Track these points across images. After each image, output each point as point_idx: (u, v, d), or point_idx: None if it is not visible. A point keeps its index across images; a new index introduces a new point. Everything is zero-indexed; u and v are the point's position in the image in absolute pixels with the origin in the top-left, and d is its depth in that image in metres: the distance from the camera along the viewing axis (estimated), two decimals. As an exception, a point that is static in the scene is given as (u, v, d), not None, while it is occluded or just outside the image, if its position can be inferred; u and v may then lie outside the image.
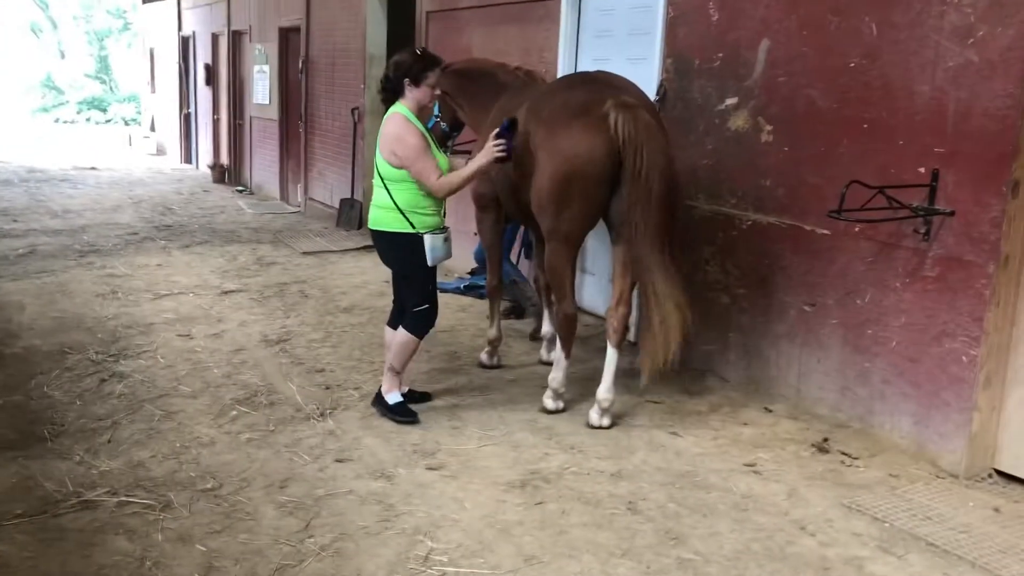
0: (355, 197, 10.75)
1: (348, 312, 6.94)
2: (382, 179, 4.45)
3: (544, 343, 5.87)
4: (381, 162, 4.43)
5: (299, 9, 11.92)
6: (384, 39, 10.29)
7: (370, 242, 9.80)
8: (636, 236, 4.40)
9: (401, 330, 4.75)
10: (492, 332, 5.73)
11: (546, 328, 5.83)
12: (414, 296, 4.70)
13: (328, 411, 4.90)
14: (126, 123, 31.81)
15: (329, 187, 11.64)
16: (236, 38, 15.01)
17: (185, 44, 18.19)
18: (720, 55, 5.48)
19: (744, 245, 5.38)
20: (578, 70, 6.87)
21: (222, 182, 15.53)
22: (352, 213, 10.68)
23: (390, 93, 4.45)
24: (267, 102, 13.60)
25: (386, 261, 4.80)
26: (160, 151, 20.80)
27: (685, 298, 4.46)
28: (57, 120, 35.36)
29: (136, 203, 12.67)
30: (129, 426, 4.63)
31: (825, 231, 4.88)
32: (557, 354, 4.86)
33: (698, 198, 5.63)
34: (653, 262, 4.38)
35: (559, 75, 6.84)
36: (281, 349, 5.97)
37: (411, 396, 5.01)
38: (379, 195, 4.52)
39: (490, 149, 4.46)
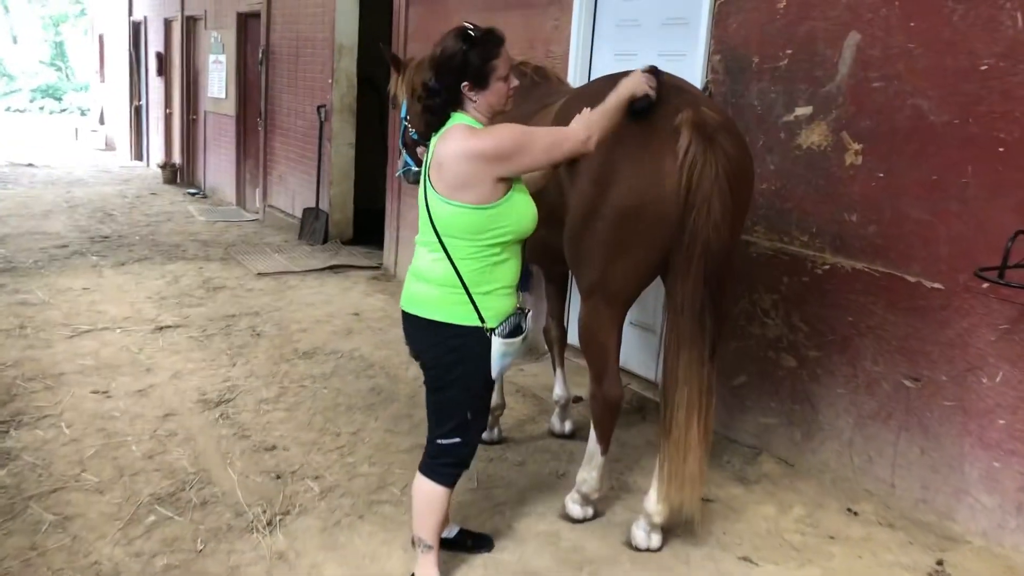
0: (320, 207, 9.46)
1: (308, 358, 5.67)
2: (437, 234, 2.79)
3: (557, 410, 4.65)
4: (440, 203, 2.76)
5: (259, -8, 10.60)
6: (356, 28, 9.02)
7: (337, 262, 8.83)
8: (674, 319, 3.22)
9: (420, 480, 3.08)
10: (493, 398, 4.52)
11: (559, 392, 4.61)
12: (448, 419, 3.01)
13: (278, 517, 3.65)
14: (82, 113, 30.14)
15: (291, 194, 10.33)
16: (190, 24, 13.61)
17: (136, 30, 16.70)
18: (788, 51, 4.30)
19: (818, 295, 4.20)
20: (594, 67, 5.68)
21: (173, 183, 14.12)
22: (316, 225, 9.39)
23: (440, 114, 2.81)
24: (223, 96, 12.23)
25: (422, 360, 3.03)
26: (109, 146, 19.28)
27: (709, 437, 3.31)
28: (8, 108, 33.64)
29: (72, 207, 11.24)
30: (1, 541, 3.35)
31: (936, 285, 3.73)
32: (591, 448, 3.63)
33: (755, 231, 4.45)
34: (684, 363, 3.21)
35: (570, 74, 5.64)
36: (222, 414, 4.69)
37: (460, 540, 3.48)
38: (427, 261, 2.87)
39: (645, 78, 3.12)
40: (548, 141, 2.81)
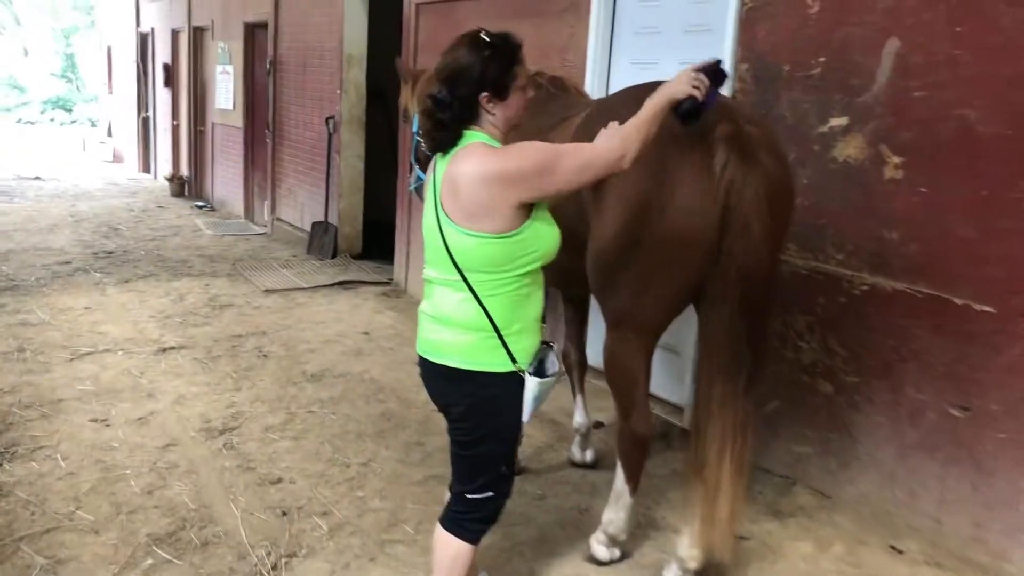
0: (329, 220, 9.25)
1: (317, 381, 5.45)
2: (459, 270, 2.47)
3: (577, 438, 4.41)
4: (458, 234, 2.44)
5: (267, 2, 10.40)
6: (364, 37, 8.82)
7: (347, 277, 8.59)
8: (708, 348, 2.98)
9: (443, 535, 2.73)
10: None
11: (580, 419, 4.37)
12: (480, 474, 2.68)
13: (283, 560, 3.42)
14: (92, 124, 30.10)
15: (300, 207, 10.13)
16: (198, 35, 13.45)
17: (144, 41, 16.56)
18: (821, 59, 4.06)
19: (856, 317, 3.95)
20: (612, 77, 5.45)
21: (181, 196, 13.94)
22: (325, 239, 9.18)
23: (454, 130, 2.50)
24: (231, 107, 12.06)
25: (451, 413, 2.66)
26: (117, 158, 19.15)
27: (744, 476, 3.05)
28: (20, 120, 33.67)
29: (77, 222, 11.05)
30: (-14, 595, 3.14)
31: (987, 308, 3.47)
32: (618, 487, 3.38)
33: (788, 249, 4.20)
34: (718, 396, 2.96)
35: (587, 85, 5.41)
36: (226, 443, 4.46)
37: None
38: (452, 303, 2.52)
39: (689, 77, 2.68)
40: (578, 160, 2.46)
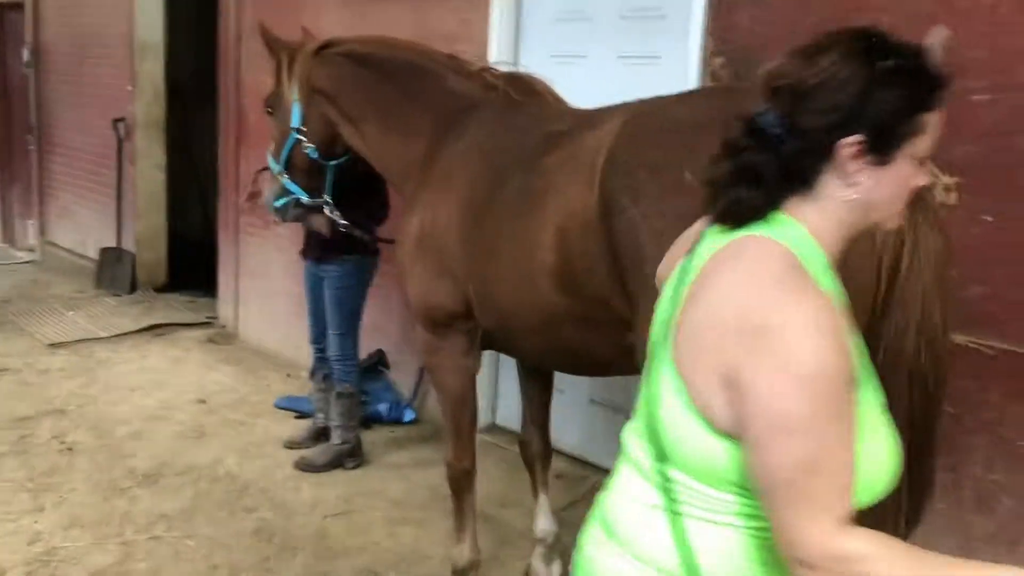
0: (123, 246, 7.54)
1: (152, 484, 4.01)
2: (663, 453, 1.31)
3: (538, 551, 3.34)
4: (676, 396, 1.28)
5: (22, -25, 8.45)
6: (161, 20, 7.19)
7: (156, 320, 6.84)
8: None
9: None
10: (464, 553, 3.15)
11: (544, 525, 3.32)
12: None
13: None
14: None
15: (81, 229, 8.28)
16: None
17: None
18: (835, 54, 3.22)
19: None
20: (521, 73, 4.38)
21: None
22: (119, 270, 7.46)
23: (766, 193, 1.29)
24: (-24, 106, 9.84)
25: None
26: None
27: None
28: None
29: None
30: None
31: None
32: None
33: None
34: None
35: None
36: (36, 613, 3.02)
37: None
38: (635, 514, 1.36)
39: None
40: (801, 476, 1.16)
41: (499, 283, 2.56)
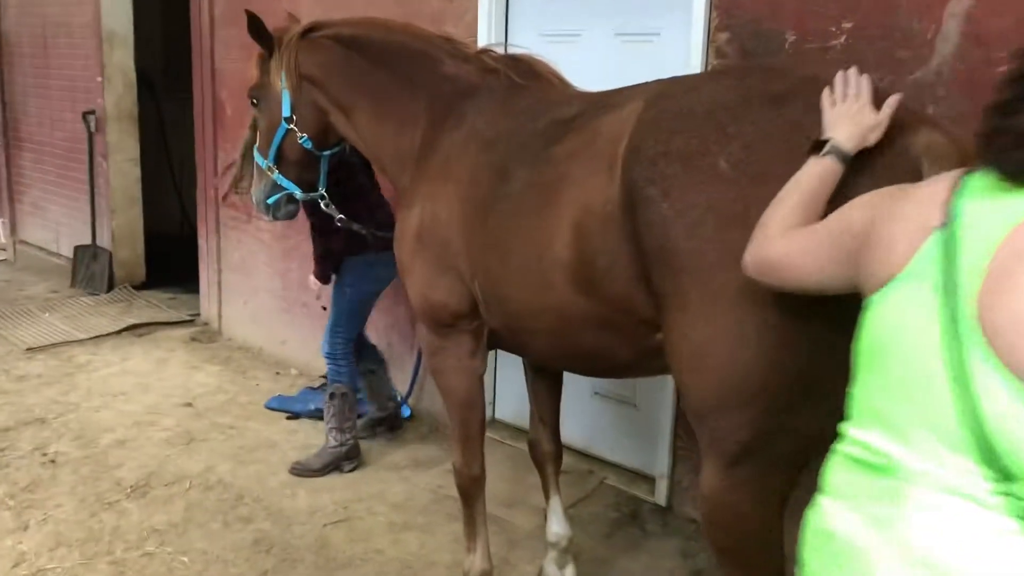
0: (98, 243, 7.29)
1: (141, 497, 3.82)
2: (1004, 472, 1.11)
3: (551, 555, 3.20)
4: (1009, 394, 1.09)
5: (-21, -38, 8.13)
6: (129, 8, 6.92)
7: (137, 319, 6.59)
8: None
9: None
10: (476, 562, 3.00)
11: (557, 529, 3.17)
12: None
13: None
14: None
15: (53, 226, 8.02)
16: None
17: None
18: (848, 25, 3.06)
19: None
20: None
21: None
22: (96, 268, 7.22)
23: None
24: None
25: None
26: None
27: None
28: None
29: None
30: None
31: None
32: None
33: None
34: None
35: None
36: (25, 644, 2.85)
37: None
38: (959, 534, 1.15)
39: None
40: None
41: (509, 282, 2.39)
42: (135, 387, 5.11)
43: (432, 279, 2.70)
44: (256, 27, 3.12)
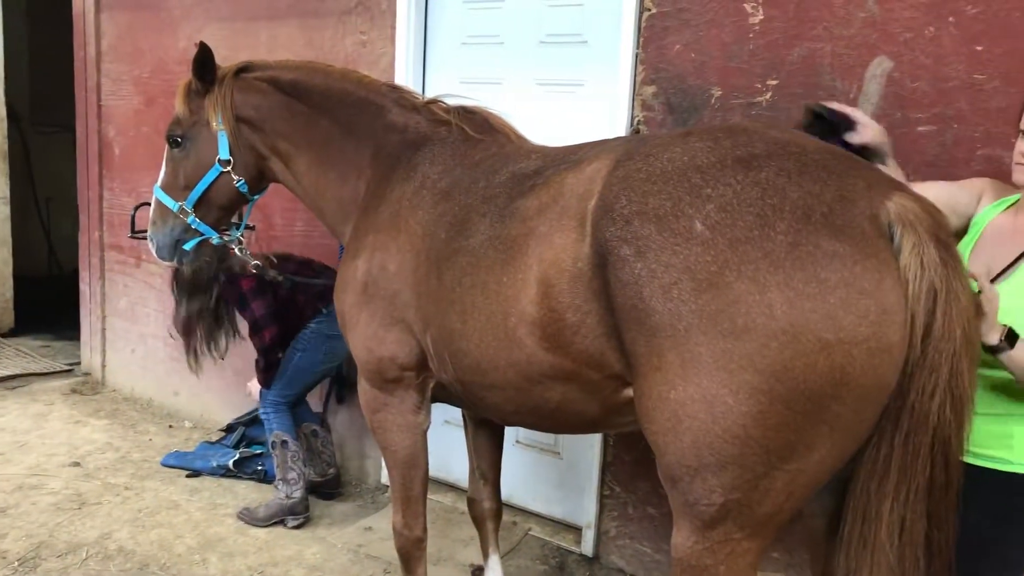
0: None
1: (29, 570, 3.47)
2: None
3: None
4: None
5: None
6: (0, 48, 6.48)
7: (9, 371, 6.02)
8: (868, 553, 1.90)
9: None
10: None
11: (495, 581, 3.09)
12: None
13: None
14: None
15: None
16: None
17: None
18: (773, 82, 3.18)
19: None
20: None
21: None
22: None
23: None
24: None
25: None
26: None
27: None
28: None
29: None
30: None
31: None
32: None
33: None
34: None
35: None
36: None
37: None
38: None
39: None
40: None
41: (468, 336, 2.32)
42: (12, 446, 4.70)
43: (379, 332, 2.60)
44: (204, 60, 2.94)
